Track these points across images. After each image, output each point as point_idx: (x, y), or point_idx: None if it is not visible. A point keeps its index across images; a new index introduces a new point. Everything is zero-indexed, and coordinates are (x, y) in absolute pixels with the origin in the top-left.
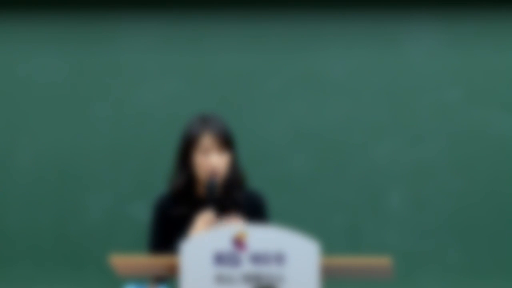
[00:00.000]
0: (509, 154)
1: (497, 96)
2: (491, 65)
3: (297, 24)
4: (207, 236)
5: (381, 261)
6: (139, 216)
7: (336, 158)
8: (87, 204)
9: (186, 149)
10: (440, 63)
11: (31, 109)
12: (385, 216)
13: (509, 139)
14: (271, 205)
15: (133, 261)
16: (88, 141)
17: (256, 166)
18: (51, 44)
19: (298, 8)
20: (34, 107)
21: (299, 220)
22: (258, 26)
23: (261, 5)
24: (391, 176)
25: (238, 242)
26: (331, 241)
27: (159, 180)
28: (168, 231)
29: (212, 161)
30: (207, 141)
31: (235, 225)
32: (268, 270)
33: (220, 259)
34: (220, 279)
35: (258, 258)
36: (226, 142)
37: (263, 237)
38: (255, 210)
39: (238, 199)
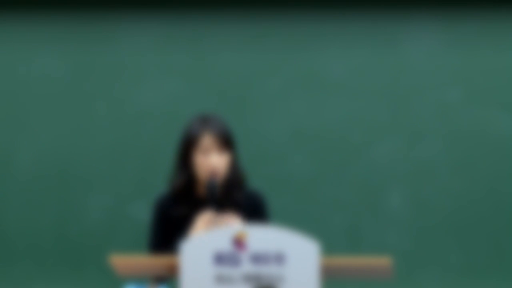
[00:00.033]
0: (509, 154)
1: (497, 96)
2: (491, 65)
3: (297, 24)
4: (207, 236)
5: (381, 261)
6: (139, 216)
7: (336, 158)
8: (87, 204)
9: (186, 149)
10: (440, 63)
11: (31, 109)
12: (385, 216)
13: (509, 139)
14: (271, 205)
15: (133, 261)
16: (88, 141)
17: (256, 166)
18: (51, 44)
19: (298, 8)
20: (34, 106)
21: (299, 220)
22: (258, 26)
23: (261, 5)
24: (391, 176)
25: (238, 242)
26: (331, 241)
27: (159, 180)
28: (168, 231)
29: (212, 161)
30: (207, 141)
31: (235, 225)
32: (268, 270)
33: (220, 259)
34: (220, 279)
35: (258, 258)
36: (226, 142)
37: (263, 237)
38: (255, 210)
39: (238, 199)
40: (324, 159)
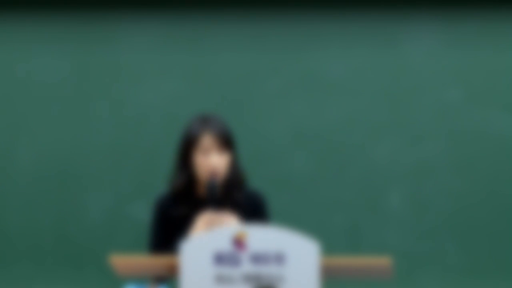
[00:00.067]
0: (509, 154)
1: (497, 96)
2: (491, 65)
3: (297, 24)
4: (207, 236)
5: (381, 261)
6: (139, 216)
7: (336, 158)
8: (87, 204)
9: (186, 149)
10: (440, 63)
11: (31, 109)
12: (385, 216)
13: (509, 139)
14: (271, 205)
15: (133, 261)
16: (88, 141)
17: (256, 166)
18: (51, 44)
19: (298, 8)
20: (34, 107)
21: (299, 220)
22: (258, 26)
23: (261, 5)
24: (391, 176)
25: (238, 242)
26: (331, 241)
27: (159, 180)
28: (168, 231)
29: (212, 161)
30: (207, 141)
31: (232, 225)
32: (268, 270)
33: (220, 259)
34: (220, 279)
35: (258, 258)
36: (226, 142)
37: (263, 237)
38: (255, 210)
39: (238, 199)
40: (324, 159)
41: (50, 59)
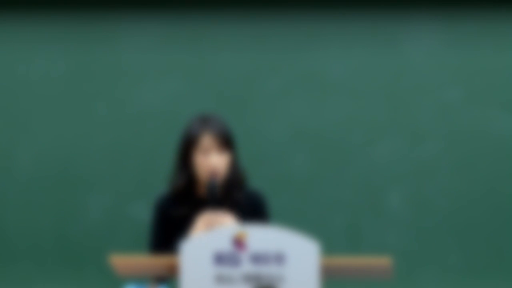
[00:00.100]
0: (509, 154)
1: (497, 96)
2: (491, 65)
3: (297, 24)
4: (207, 236)
5: (381, 261)
6: (139, 216)
7: (336, 158)
8: (87, 204)
9: (186, 149)
10: (440, 63)
11: (31, 109)
12: (385, 216)
13: (509, 139)
14: (271, 205)
15: (133, 261)
16: (88, 141)
17: (256, 166)
18: (51, 44)
19: (298, 8)
20: (34, 106)
21: (299, 220)
22: (258, 26)
23: (261, 5)
24: (391, 176)
25: (238, 242)
26: (331, 241)
27: (159, 180)
28: (168, 231)
29: (212, 161)
30: (207, 141)
31: (228, 224)
32: (268, 270)
33: (220, 259)
34: (220, 279)
35: (258, 258)
36: (226, 142)
37: (263, 237)
38: (255, 210)
39: (239, 199)
40: (324, 159)
41: (50, 59)
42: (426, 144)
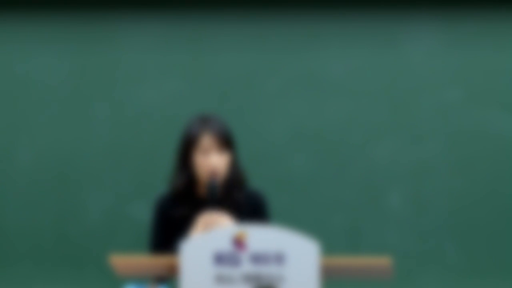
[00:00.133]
0: (509, 154)
1: (497, 96)
2: (491, 65)
3: (297, 24)
4: (207, 236)
5: (381, 261)
6: (139, 216)
7: (336, 158)
8: (87, 204)
9: (186, 149)
10: (440, 63)
11: (31, 109)
12: (385, 216)
13: (509, 139)
14: (271, 205)
15: (133, 261)
16: (88, 141)
17: (256, 166)
18: (51, 44)
19: (298, 8)
20: (34, 107)
21: (299, 220)
22: (258, 26)
23: (261, 5)
24: (391, 176)
25: (238, 242)
26: (331, 241)
27: (159, 180)
28: (168, 231)
29: (212, 161)
30: (207, 141)
31: (226, 224)
32: (268, 270)
33: (220, 259)
34: (220, 279)
35: (258, 258)
36: (226, 142)
37: (263, 237)
38: (255, 210)
39: (239, 199)
40: (324, 159)
41: (50, 59)
42: (426, 144)
